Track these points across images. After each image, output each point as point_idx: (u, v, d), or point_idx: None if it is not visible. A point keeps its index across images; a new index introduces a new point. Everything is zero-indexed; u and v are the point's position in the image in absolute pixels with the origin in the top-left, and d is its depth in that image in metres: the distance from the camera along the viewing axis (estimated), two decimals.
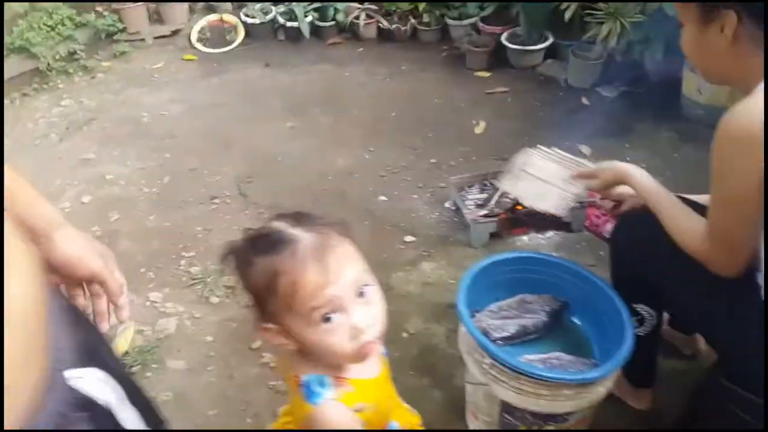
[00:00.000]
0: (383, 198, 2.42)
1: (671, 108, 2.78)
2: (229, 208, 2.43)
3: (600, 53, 2.95)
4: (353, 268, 0.83)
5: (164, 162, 2.75)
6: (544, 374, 1.18)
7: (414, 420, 1.10)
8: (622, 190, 1.36)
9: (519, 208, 2.07)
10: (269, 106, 3.15)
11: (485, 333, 1.35)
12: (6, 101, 3.30)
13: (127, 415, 0.55)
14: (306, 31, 3.72)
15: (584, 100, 2.98)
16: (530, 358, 1.35)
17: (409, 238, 2.19)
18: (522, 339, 1.40)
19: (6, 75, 3.34)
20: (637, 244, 1.33)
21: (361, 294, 0.83)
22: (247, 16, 3.85)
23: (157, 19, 3.98)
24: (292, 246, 0.81)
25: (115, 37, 3.82)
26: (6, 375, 0.39)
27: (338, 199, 2.42)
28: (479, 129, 2.83)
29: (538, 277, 1.47)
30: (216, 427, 1.59)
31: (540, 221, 2.09)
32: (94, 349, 0.58)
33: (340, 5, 3.72)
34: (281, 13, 3.78)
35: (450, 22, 3.59)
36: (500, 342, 1.38)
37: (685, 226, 1.16)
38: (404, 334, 1.80)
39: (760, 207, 0.99)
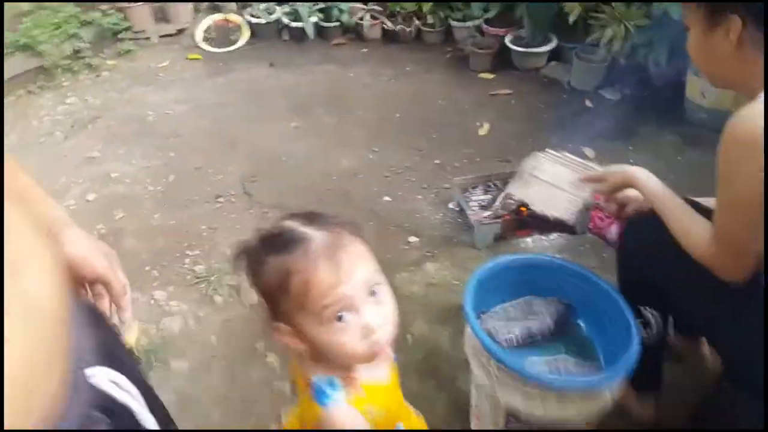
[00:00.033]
0: (387, 198, 2.43)
1: (675, 111, 2.79)
2: (234, 207, 2.44)
3: (604, 56, 2.95)
4: (365, 267, 0.83)
5: (169, 161, 2.76)
6: (551, 380, 1.18)
7: (418, 421, 1.10)
8: (628, 192, 1.36)
9: (523, 209, 2.07)
10: (274, 106, 3.16)
11: (491, 336, 1.35)
12: (11, 98, 3.31)
13: (146, 417, 0.55)
14: (310, 31, 3.73)
15: (588, 103, 2.98)
16: (535, 361, 1.35)
17: (413, 239, 2.20)
18: (527, 342, 1.41)
19: (11, 72, 3.35)
20: (644, 247, 1.33)
21: (372, 293, 0.83)
22: (252, 16, 3.86)
23: (162, 18, 3.99)
24: (305, 245, 0.81)
25: (120, 36, 3.83)
26: (29, 375, 0.39)
27: (342, 200, 2.42)
28: (483, 130, 2.84)
29: (543, 279, 1.48)
30: (219, 427, 1.60)
31: (544, 223, 2.09)
32: (112, 350, 0.59)
33: (344, 6, 3.72)
34: (286, 14, 3.79)
35: (454, 23, 3.60)
36: (505, 345, 1.38)
37: (690, 231, 1.16)
38: (408, 336, 1.80)
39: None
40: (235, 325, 1.90)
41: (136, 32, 3.87)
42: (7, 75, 3.34)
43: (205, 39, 3.88)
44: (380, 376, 0.94)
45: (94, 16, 3.73)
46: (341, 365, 0.87)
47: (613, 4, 2.74)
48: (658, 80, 2.89)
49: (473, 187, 2.28)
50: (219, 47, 3.82)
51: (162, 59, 3.72)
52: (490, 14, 3.47)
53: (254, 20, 3.83)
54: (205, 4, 4.04)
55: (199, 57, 3.73)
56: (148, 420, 0.55)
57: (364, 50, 3.69)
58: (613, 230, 1.98)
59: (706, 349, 1.61)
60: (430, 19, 3.65)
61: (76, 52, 3.59)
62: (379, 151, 2.73)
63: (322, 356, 0.86)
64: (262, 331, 1.83)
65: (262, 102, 3.21)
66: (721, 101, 2.53)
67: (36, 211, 0.78)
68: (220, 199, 2.47)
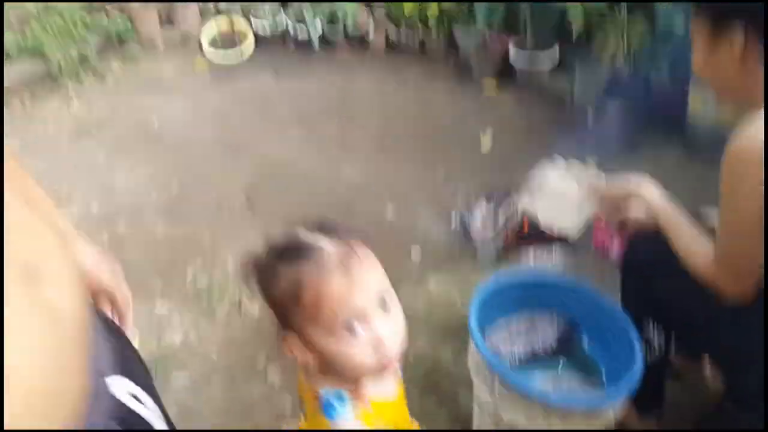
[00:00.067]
0: (390, 211, 2.43)
1: (677, 125, 2.78)
2: (236, 218, 2.44)
3: (607, 68, 2.95)
4: (376, 278, 0.83)
5: (173, 170, 2.76)
6: (555, 398, 1.18)
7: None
8: (632, 204, 1.36)
9: (526, 223, 2.07)
10: (278, 115, 3.17)
11: (494, 353, 1.35)
12: (16, 103, 3.32)
13: (162, 428, 0.55)
14: (315, 41, 3.74)
15: (590, 115, 2.98)
16: (538, 378, 1.35)
17: (415, 253, 2.19)
18: (530, 359, 1.40)
19: (17, 76, 3.37)
20: (647, 263, 1.33)
21: (383, 305, 0.82)
22: (258, 24, 3.87)
23: (168, 24, 4.00)
24: (317, 255, 0.80)
25: (126, 42, 3.84)
26: (51, 383, 0.39)
27: (345, 210, 2.42)
28: (486, 141, 2.84)
29: (546, 295, 1.48)
30: None
31: (547, 238, 2.09)
32: (129, 361, 0.59)
33: (349, 17, 3.73)
34: (291, 23, 3.80)
35: (457, 33, 3.60)
36: (508, 362, 1.38)
37: (693, 249, 1.16)
38: (410, 351, 1.79)
39: None
40: (236, 338, 1.90)
41: (142, 39, 3.88)
42: (12, 79, 3.35)
43: (211, 47, 3.89)
44: (387, 392, 0.93)
45: (99, 19, 3.73)
46: (349, 378, 0.86)
47: (618, 16, 2.75)
48: (661, 93, 2.89)
49: (476, 201, 2.28)
50: (224, 55, 3.83)
51: (168, 66, 3.73)
52: (494, 24, 3.47)
53: (260, 29, 3.84)
54: (212, 9, 4.03)
55: (205, 65, 3.75)
56: None
57: (369, 60, 3.70)
58: (615, 245, 1.98)
59: (706, 368, 1.61)
60: (433, 29, 3.65)
61: (83, 57, 3.59)
62: (383, 162, 2.73)
63: (330, 368, 0.85)
64: (264, 344, 1.83)
65: (266, 111, 3.22)
66: (724, 116, 2.53)
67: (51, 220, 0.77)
68: (224, 209, 2.48)
